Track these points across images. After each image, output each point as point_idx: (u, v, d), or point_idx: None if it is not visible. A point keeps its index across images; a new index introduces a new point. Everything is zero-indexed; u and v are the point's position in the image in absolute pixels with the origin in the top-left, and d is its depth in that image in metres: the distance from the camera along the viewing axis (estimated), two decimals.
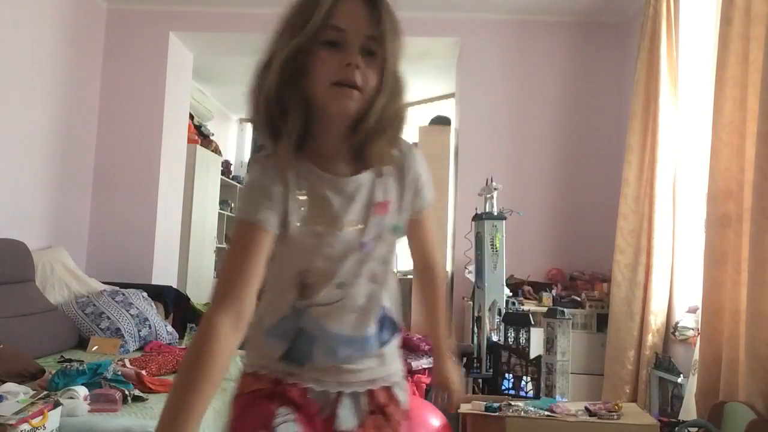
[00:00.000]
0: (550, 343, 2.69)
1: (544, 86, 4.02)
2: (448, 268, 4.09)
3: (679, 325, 2.82)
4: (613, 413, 2.15)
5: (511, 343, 2.87)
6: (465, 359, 3.02)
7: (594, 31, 4.02)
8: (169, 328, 3.38)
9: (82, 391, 2.01)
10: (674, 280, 2.99)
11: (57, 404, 1.82)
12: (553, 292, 3.51)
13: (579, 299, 3.45)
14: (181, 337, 3.44)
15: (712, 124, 2.38)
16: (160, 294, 3.68)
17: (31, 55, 3.35)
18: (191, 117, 4.92)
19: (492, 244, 2.99)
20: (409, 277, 3.55)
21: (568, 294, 3.53)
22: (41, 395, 1.90)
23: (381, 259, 1.02)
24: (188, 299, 3.96)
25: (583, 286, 3.61)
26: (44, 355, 2.74)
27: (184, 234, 4.62)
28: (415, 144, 1.10)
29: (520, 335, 2.84)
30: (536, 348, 2.83)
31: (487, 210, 3.08)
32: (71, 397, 1.96)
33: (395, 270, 1.09)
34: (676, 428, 2.15)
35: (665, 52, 3.04)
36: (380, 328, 1.04)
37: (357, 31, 0.92)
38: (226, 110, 6.40)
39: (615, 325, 3.17)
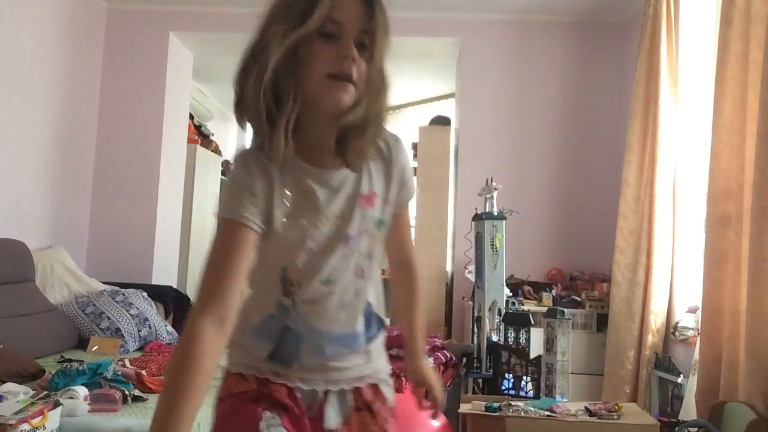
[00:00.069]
0: (550, 343, 2.69)
1: (544, 86, 4.02)
2: (448, 268, 4.09)
3: (679, 325, 2.82)
4: (613, 413, 2.15)
5: (511, 343, 2.87)
6: (465, 359, 3.02)
7: (594, 31, 4.02)
8: (169, 328, 3.38)
9: (82, 391, 2.01)
10: (674, 280, 2.99)
11: (57, 404, 1.82)
12: (553, 292, 3.51)
13: (579, 299, 3.45)
14: None
15: (712, 124, 2.38)
16: (160, 294, 3.68)
17: (31, 55, 3.35)
18: (191, 117, 4.92)
19: (492, 244, 2.99)
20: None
21: (568, 294, 3.53)
22: (41, 395, 1.90)
23: (367, 255, 1.01)
24: (188, 299, 3.95)
25: (583, 286, 3.61)
26: (44, 355, 2.74)
27: (184, 234, 4.61)
28: (398, 138, 1.09)
29: (520, 335, 2.84)
30: (536, 348, 2.83)
31: (487, 210, 3.08)
32: (71, 397, 1.96)
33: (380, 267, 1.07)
34: (676, 428, 2.15)
35: (665, 52, 3.04)
36: (366, 324, 1.03)
37: (352, 24, 0.92)
38: (226, 110, 6.39)
39: (615, 325, 3.17)
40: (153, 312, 3.38)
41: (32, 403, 1.78)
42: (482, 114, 4.04)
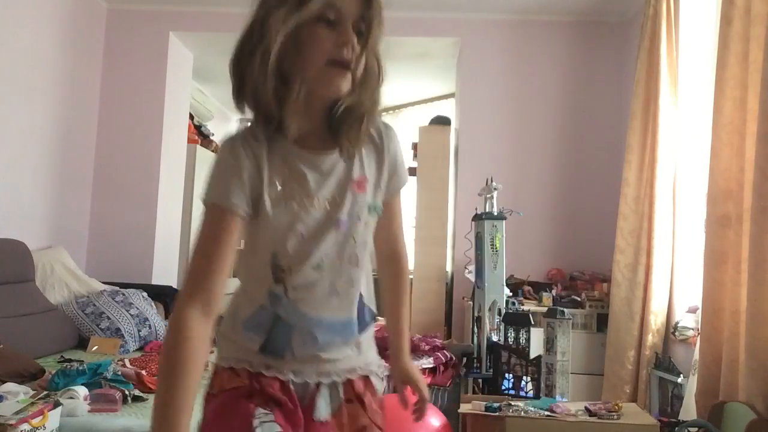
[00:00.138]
0: (550, 343, 2.69)
1: (544, 86, 4.02)
2: (448, 268, 4.09)
3: (679, 325, 2.82)
4: (613, 413, 2.15)
5: (511, 343, 2.87)
6: (465, 359, 3.02)
7: (594, 31, 4.02)
8: None
9: (82, 391, 2.01)
10: (674, 280, 2.99)
11: (57, 404, 1.82)
12: (553, 292, 3.51)
13: (579, 299, 3.45)
14: None
15: (712, 124, 2.38)
16: (160, 294, 3.68)
17: (31, 55, 3.35)
18: (191, 117, 4.91)
19: (492, 244, 2.99)
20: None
21: (568, 294, 3.53)
22: (41, 395, 1.90)
23: (358, 241, 1.01)
24: None
25: (583, 286, 3.61)
26: (44, 355, 2.74)
27: (184, 234, 4.61)
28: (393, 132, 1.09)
29: (520, 335, 2.84)
30: (536, 348, 2.83)
31: (487, 210, 3.08)
32: (71, 397, 1.96)
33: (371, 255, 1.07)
34: (676, 428, 2.15)
35: (665, 52, 3.04)
36: (359, 313, 1.03)
37: (351, 10, 0.93)
38: (226, 110, 6.39)
39: (615, 325, 3.17)
40: (153, 312, 3.38)
41: (32, 403, 1.78)
42: (482, 114, 4.04)
